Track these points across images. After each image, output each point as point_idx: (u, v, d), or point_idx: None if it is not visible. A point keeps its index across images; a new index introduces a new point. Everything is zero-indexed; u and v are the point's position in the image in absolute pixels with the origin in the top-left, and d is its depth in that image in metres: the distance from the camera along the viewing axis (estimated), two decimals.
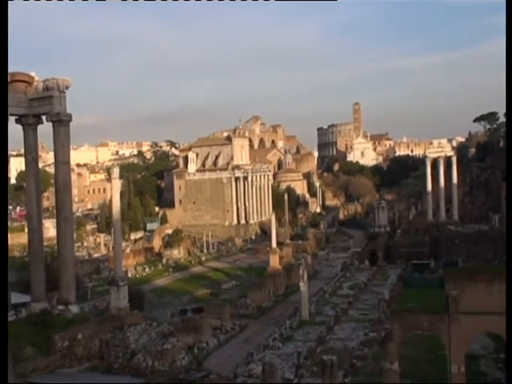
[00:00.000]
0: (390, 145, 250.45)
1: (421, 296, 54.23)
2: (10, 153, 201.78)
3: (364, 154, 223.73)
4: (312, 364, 36.94)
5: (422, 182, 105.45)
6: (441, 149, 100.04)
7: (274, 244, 77.32)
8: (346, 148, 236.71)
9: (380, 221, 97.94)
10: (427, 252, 78.37)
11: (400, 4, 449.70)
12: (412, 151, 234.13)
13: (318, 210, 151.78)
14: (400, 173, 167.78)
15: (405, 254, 79.46)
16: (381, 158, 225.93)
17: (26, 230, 49.62)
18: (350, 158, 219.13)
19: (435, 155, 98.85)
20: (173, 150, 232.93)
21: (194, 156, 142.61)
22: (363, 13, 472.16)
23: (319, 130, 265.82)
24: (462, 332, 28.20)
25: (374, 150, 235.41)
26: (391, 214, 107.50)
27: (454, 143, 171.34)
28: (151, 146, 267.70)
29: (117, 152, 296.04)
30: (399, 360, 29.55)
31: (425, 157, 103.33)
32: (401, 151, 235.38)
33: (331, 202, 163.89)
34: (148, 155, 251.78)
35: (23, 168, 47.78)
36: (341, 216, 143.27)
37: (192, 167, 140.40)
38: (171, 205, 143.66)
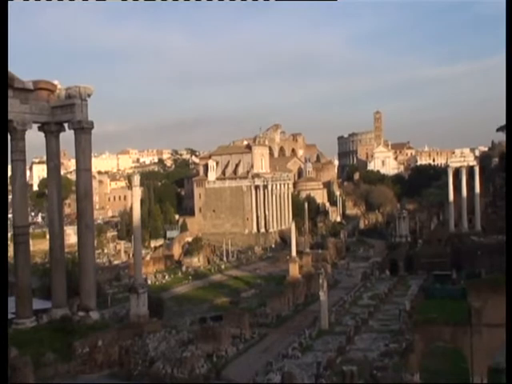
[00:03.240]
0: (411, 154, 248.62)
1: (443, 307, 53.53)
2: (32, 160, 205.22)
3: (385, 162, 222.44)
4: (332, 374, 36.56)
5: (444, 191, 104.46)
6: (463, 158, 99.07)
7: (293, 253, 77.06)
8: (367, 157, 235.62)
9: (401, 230, 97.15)
10: (449, 263, 77.45)
11: (425, 14, 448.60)
12: (434, 160, 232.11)
13: (338, 219, 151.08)
14: (421, 182, 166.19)
15: (426, 264, 78.63)
16: (402, 167, 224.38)
17: (48, 236, 50.07)
18: (371, 166, 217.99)
19: (457, 165, 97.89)
20: (193, 158, 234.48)
21: (214, 164, 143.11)
22: (388, 22, 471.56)
23: (339, 138, 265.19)
24: (484, 344, 27.80)
25: (395, 158, 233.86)
26: (412, 223, 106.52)
27: (477, 153, 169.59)
28: (172, 154, 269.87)
29: (137, 160, 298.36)
30: (420, 372, 29.17)
31: (447, 166, 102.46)
32: (422, 160, 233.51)
33: (351, 211, 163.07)
34: (168, 163, 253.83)
35: (45, 175, 48.27)
36: (361, 225, 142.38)
37: (212, 175, 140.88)
38: (191, 213, 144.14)
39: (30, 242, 45.62)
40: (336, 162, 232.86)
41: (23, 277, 41.29)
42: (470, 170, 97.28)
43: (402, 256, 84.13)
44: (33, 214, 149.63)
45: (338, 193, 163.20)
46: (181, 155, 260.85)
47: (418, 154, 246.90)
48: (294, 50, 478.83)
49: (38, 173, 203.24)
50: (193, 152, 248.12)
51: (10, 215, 42.47)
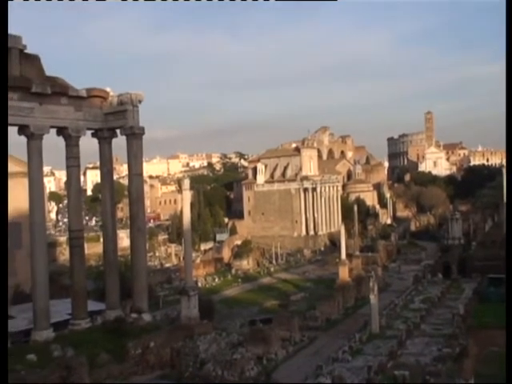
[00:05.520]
0: (464, 154, 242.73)
1: (498, 311, 51.78)
2: (86, 165, 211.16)
3: (436, 163, 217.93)
4: (383, 379, 36.06)
5: (499, 192, 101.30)
6: None
7: (343, 256, 76.37)
8: (418, 158, 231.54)
9: (454, 233, 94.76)
10: (505, 265, 75.03)
11: (475, 10, 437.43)
12: (488, 160, 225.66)
13: (389, 221, 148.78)
14: (475, 183, 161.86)
15: (480, 267, 76.43)
16: (454, 168, 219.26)
17: (102, 240, 51.44)
18: (422, 168, 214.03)
19: None
20: (242, 161, 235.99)
21: (263, 167, 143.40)
22: (436, 20, 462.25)
23: (389, 139, 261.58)
24: None
25: (447, 159, 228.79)
26: (466, 225, 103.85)
27: None
28: (221, 158, 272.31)
29: (187, 164, 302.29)
30: (475, 377, 28.44)
31: (501, 166, 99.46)
32: (476, 161, 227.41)
33: (402, 213, 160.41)
34: (217, 167, 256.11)
35: (99, 180, 49.62)
36: (412, 227, 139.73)
37: (261, 178, 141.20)
38: (240, 216, 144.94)
39: (85, 245, 46.90)
40: (386, 164, 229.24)
41: (78, 279, 42.48)
42: None
43: (455, 259, 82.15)
44: (87, 218, 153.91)
45: (388, 195, 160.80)
46: (230, 159, 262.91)
47: (471, 154, 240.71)
48: (341, 51, 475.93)
49: (91, 178, 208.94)
50: (241, 155, 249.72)
51: (65, 219, 43.96)
